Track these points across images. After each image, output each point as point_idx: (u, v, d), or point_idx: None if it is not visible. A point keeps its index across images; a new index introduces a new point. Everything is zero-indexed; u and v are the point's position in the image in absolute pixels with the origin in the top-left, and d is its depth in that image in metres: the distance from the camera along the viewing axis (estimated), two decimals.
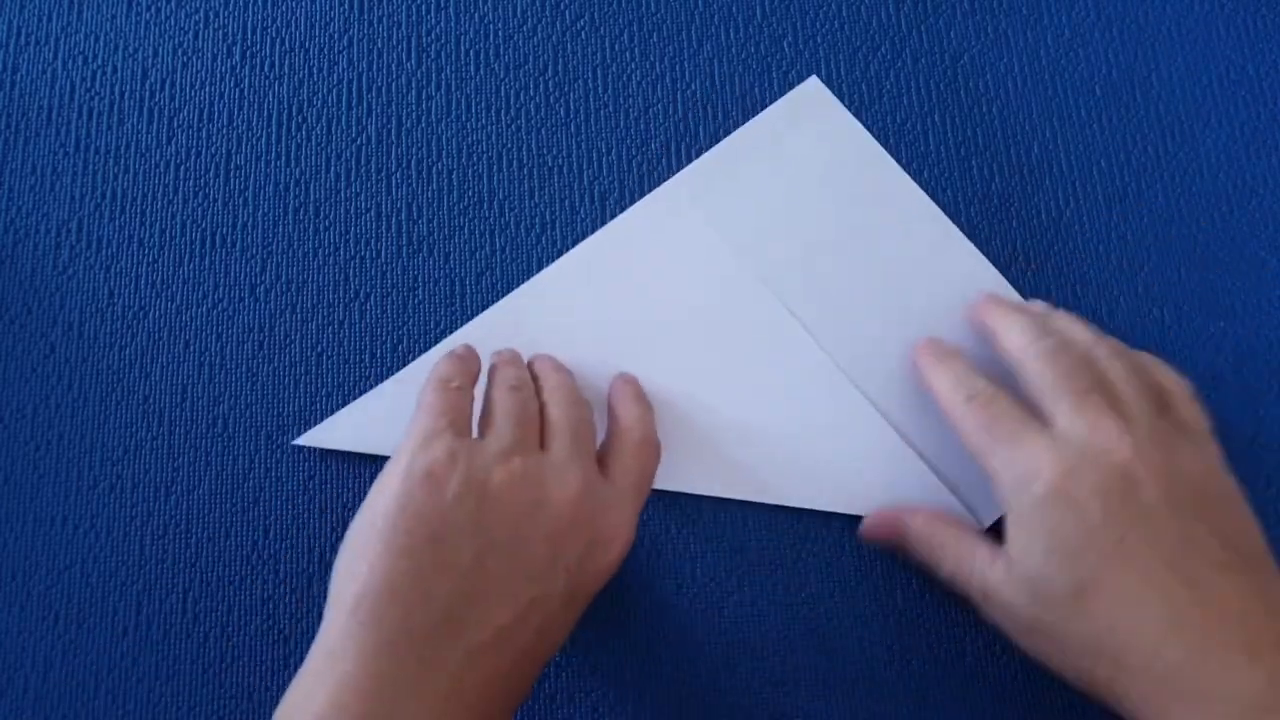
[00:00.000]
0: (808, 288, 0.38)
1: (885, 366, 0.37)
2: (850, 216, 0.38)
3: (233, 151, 0.40)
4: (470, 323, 0.37)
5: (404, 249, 0.39)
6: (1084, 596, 0.28)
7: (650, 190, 0.39)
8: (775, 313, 0.37)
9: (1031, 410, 0.31)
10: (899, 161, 0.40)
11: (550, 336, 0.37)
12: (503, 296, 0.38)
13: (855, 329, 0.37)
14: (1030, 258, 0.40)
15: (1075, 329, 0.34)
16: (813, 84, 0.40)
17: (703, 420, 0.36)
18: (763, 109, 0.41)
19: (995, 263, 0.40)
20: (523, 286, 0.38)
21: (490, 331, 0.37)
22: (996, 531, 0.32)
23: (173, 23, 0.41)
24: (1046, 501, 0.29)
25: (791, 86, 0.41)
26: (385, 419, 0.36)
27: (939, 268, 0.38)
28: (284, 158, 0.40)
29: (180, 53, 0.41)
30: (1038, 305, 0.37)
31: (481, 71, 0.41)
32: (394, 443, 0.31)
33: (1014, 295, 0.38)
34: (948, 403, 0.33)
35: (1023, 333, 0.33)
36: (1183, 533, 0.28)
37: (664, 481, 0.35)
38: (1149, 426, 0.30)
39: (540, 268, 0.38)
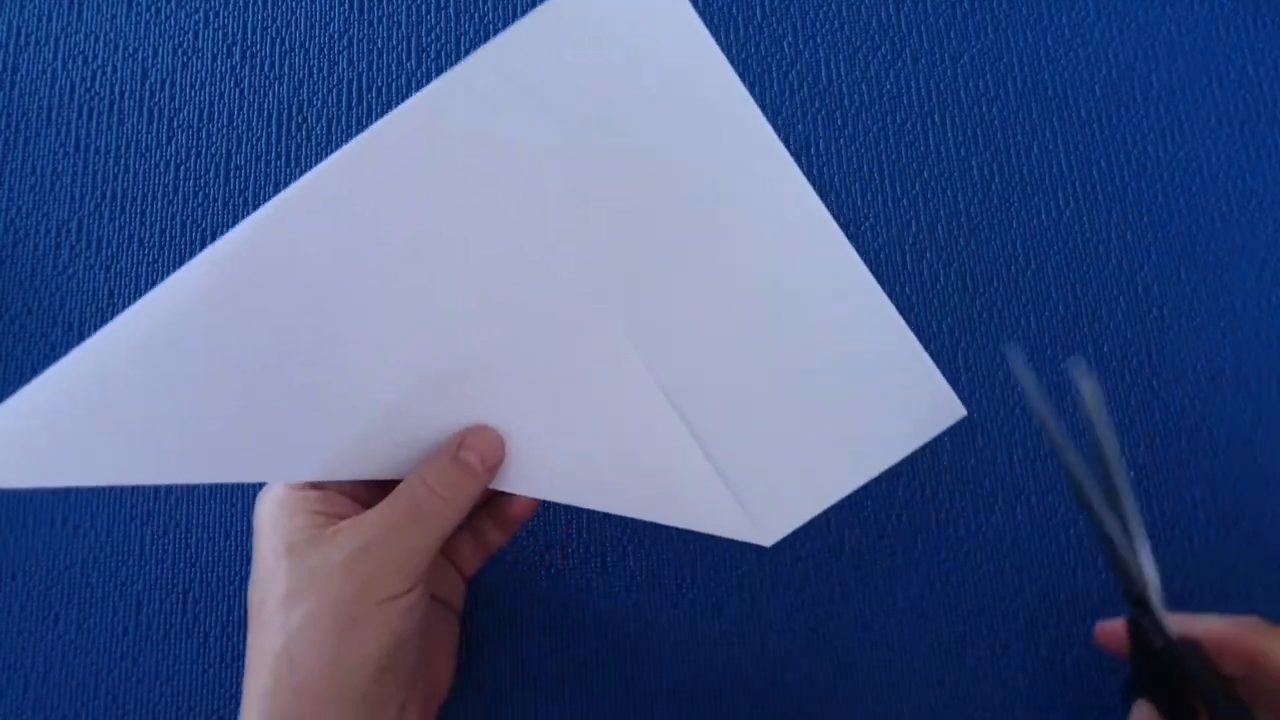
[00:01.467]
0: (603, 231, 0.29)
1: (685, 343, 0.31)
2: (670, 139, 0.29)
3: (233, 151, 0.40)
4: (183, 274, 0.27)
5: None
6: None
7: None
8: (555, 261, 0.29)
9: None
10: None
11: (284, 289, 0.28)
12: None
13: (658, 293, 0.30)
14: (1030, 258, 0.40)
15: None
16: None
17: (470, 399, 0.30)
18: (762, 109, 0.41)
19: (995, 263, 0.40)
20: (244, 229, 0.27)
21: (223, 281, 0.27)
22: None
23: (173, 23, 0.41)
24: None
25: (792, 87, 0.41)
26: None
27: (772, 219, 0.30)
28: (284, 158, 0.40)
29: (180, 53, 0.41)
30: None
31: None
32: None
33: (851, 254, 0.31)
34: (1267, 639, 0.29)
35: None
36: None
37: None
38: None
39: None
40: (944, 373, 0.39)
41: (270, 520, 0.29)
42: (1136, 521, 0.29)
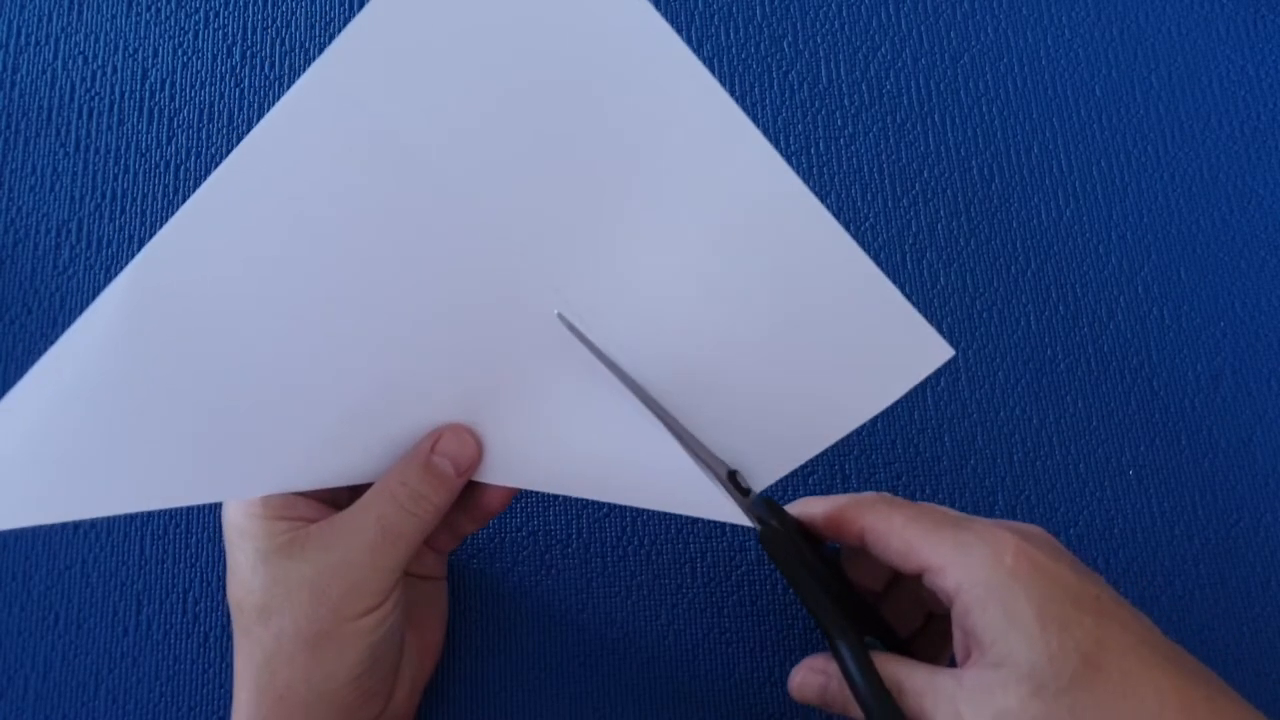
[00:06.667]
0: (521, 197, 0.28)
1: (628, 303, 0.29)
2: (590, 91, 0.27)
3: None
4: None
5: None
6: (1092, 669, 0.24)
7: None
8: (480, 243, 0.28)
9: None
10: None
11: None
12: None
13: (592, 254, 0.28)
14: (1030, 258, 0.40)
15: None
16: None
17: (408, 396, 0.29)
18: (762, 109, 0.41)
19: (995, 263, 0.40)
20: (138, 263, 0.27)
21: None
22: None
23: (173, 23, 0.41)
24: (1021, 570, 0.25)
25: (792, 87, 0.41)
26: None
27: (717, 169, 0.28)
28: None
29: (180, 53, 0.41)
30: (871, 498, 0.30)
31: None
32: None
33: (809, 198, 0.28)
34: (870, 511, 0.28)
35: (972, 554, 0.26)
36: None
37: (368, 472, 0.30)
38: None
39: None
40: (944, 373, 0.39)
41: (238, 528, 0.29)
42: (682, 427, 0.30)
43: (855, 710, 0.27)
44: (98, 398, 0.27)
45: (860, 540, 0.28)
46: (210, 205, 0.26)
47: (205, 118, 0.40)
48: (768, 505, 0.30)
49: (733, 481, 0.30)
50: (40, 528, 0.36)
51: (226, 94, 0.40)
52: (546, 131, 0.27)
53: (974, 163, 0.41)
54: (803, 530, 0.30)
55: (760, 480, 0.30)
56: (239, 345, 0.27)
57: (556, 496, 0.37)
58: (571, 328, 0.28)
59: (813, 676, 0.29)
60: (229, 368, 0.27)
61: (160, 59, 0.41)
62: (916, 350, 0.29)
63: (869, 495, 0.29)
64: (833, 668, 0.28)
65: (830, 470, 0.37)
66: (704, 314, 0.29)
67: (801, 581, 0.28)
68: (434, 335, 0.29)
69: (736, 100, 0.28)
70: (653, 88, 0.27)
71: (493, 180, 0.28)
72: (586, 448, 0.29)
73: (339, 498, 0.30)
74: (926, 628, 0.31)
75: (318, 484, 0.29)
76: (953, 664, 0.26)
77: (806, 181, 0.29)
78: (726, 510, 0.28)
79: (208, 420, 0.28)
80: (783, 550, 0.29)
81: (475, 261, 0.28)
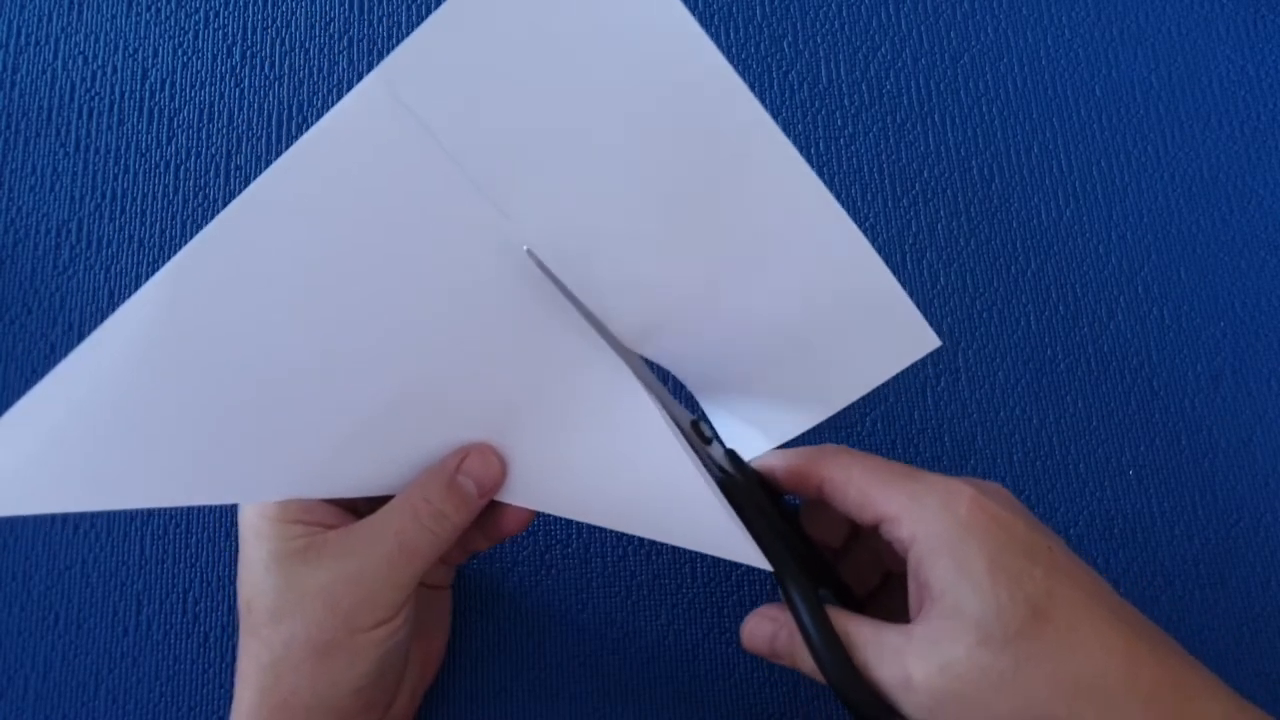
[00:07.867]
0: (565, 215, 0.27)
1: (668, 323, 0.29)
2: (633, 110, 0.27)
3: (233, 151, 0.40)
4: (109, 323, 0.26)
5: None
6: (1040, 620, 0.24)
7: None
8: (519, 260, 0.28)
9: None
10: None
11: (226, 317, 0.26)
12: None
13: (630, 271, 0.28)
14: (1030, 258, 0.40)
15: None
16: None
17: (437, 412, 0.29)
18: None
19: (995, 263, 0.40)
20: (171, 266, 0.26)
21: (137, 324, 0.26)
22: None
23: (173, 23, 0.41)
24: (975, 521, 0.25)
25: (792, 87, 0.41)
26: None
27: (751, 187, 0.28)
28: None
29: (180, 53, 0.41)
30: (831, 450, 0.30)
31: None
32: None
33: (813, 179, 0.29)
34: (829, 462, 0.28)
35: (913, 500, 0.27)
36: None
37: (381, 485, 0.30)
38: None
39: None
40: (944, 373, 0.39)
41: (254, 528, 0.28)
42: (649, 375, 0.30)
43: (803, 661, 0.27)
44: (124, 393, 0.26)
45: (819, 491, 0.28)
46: (247, 214, 0.26)
47: (205, 118, 0.40)
48: (730, 457, 0.30)
49: (695, 430, 0.30)
50: (40, 528, 0.36)
51: (226, 94, 0.40)
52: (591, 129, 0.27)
53: (974, 163, 0.41)
54: (763, 482, 0.30)
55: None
56: (263, 349, 0.27)
57: None
58: (540, 265, 0.28)
59: (764, 624, 0.29)
60: (252, 371, 0.27)
61: (160, 59, 0.41)
62: (905, 337, 0.29)
63: (829, 446, 0.29)
64: (785, 617, 0.28)
65: None
66: (706, 309, 0.29)
67: (760, 532, 0.28)
68: (444, 334, 0.28)
69: None
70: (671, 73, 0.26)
71: (502, 170, 0.27)
72: (609, 474, 0.29)
73: (358, 505, 0.30)
74: (882, 587, 0.31)
75: (338, 492, 0.29)
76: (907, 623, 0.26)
77: None
78: (748, 553, 0.28)
79: (231, 422, 0.27)
80: (742, 501, 0.29)
81: (476, 254, 0.28)
